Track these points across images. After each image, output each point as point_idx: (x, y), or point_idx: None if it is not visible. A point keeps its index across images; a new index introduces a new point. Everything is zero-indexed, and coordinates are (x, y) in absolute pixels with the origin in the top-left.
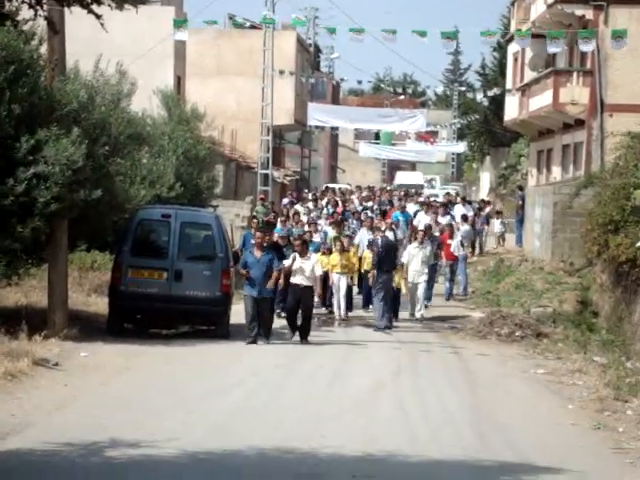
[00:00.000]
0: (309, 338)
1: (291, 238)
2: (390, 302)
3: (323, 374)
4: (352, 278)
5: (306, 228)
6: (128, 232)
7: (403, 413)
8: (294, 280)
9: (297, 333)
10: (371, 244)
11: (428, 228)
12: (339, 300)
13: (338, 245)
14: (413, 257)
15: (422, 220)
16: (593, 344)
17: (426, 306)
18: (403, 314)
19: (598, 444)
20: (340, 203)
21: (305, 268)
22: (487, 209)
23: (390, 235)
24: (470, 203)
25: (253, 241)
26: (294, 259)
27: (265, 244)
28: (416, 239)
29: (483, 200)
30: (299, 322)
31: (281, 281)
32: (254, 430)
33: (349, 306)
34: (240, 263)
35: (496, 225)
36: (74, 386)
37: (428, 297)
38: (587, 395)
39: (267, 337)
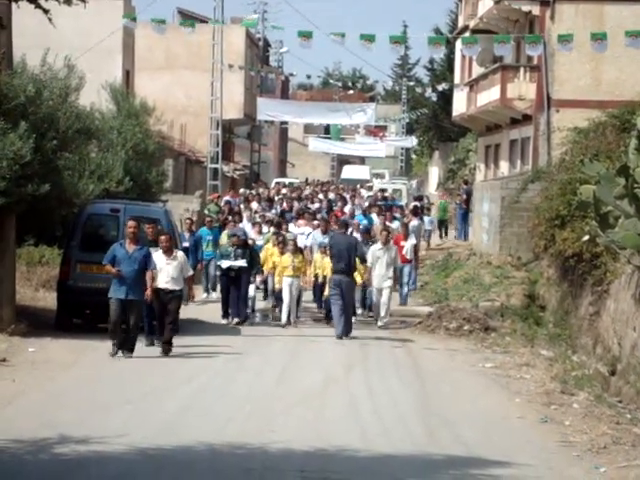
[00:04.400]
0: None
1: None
2: (350, 309)
3: (273, 369)
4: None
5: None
6: (77, 227)
7: (353, 408)
8: (158, 283)
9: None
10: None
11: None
12: (289, 306)
13: (291, 245)
14: (378, 259)
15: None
16: (540, 338)
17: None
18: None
19: (545, 437)
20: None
21: (170, 269)
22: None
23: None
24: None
25: (209, 237)
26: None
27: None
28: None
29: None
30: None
31: (148, 292)
32: (204, 426)
33: (297, 315)
34: (106, 257)
35: (425, 222)
36: (22, 382)
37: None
38: (534, 389)
39: (131, 350)
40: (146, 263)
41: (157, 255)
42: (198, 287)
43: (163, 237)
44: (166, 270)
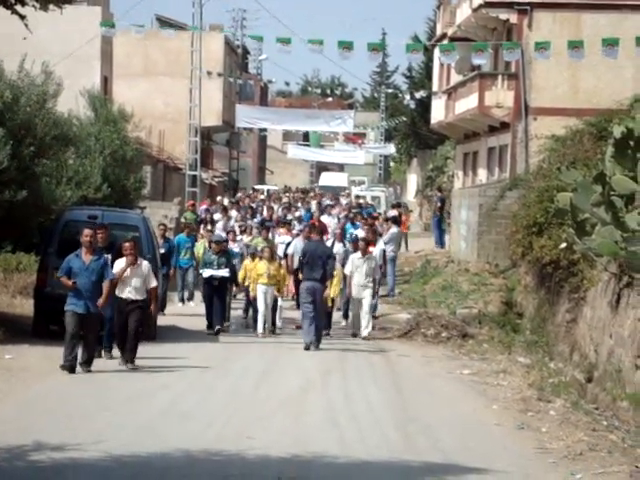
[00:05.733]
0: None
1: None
2: (321, 316)
3: (251, 375)
4: (279, 290)
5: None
6: (54, 233)
7: (330, 414)
8: (120, 293)
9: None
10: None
11: (363, 240)
12: (264, 316)
13: (266, 252)
14: (357, 268)
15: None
16: (517, 345)
17: (374, 317)
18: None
19: (522, 444)
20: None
21: (133, 278)
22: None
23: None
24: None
25: (187, 244)
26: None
27: (102, 245)
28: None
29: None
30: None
31: (101, 301)
32: (181, 432)
33: (274, 323)
34: (62, 269)
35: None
36: None
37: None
38: (511, 395)
39: (89, 364)
40: (104, 274)
41: (120, 263)
42: (173, 294)
43: (127, 244)
44: (129, 279)
